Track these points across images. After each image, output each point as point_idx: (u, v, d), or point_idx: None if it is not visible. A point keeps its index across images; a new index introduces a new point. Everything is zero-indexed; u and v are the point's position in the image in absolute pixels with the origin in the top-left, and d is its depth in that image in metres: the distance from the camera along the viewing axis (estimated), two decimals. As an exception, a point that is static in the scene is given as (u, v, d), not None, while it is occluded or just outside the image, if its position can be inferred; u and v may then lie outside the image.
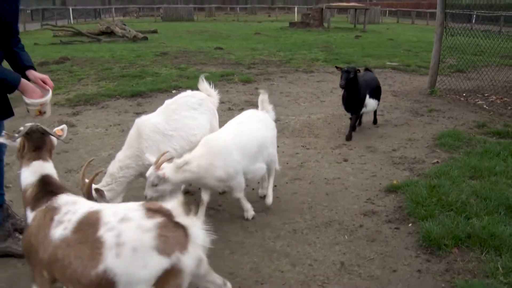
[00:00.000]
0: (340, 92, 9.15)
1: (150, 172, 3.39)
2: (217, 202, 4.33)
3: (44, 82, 3.24)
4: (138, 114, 7.51)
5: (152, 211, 2.16)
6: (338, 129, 6.73)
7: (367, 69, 7.02)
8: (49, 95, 3.28)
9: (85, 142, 6.11)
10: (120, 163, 3.69)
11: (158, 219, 2.11)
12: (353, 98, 6.17)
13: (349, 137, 6.21)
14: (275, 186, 4.69)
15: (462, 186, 4.39)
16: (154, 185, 3.38)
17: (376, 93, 6.59)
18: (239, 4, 49.64)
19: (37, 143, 2.54)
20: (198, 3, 47.69)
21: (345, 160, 5.41)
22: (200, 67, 12.22)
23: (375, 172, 5.05)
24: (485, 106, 8.17)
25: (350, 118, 6.43)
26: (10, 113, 3.30)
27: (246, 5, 53.37)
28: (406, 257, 3.39)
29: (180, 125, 3.93)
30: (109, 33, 20.11)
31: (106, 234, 2.07)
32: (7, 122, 3.36)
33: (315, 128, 6.79)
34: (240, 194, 3.88)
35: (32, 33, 23.14)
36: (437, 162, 5.25)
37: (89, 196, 3.16)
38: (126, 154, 3.73)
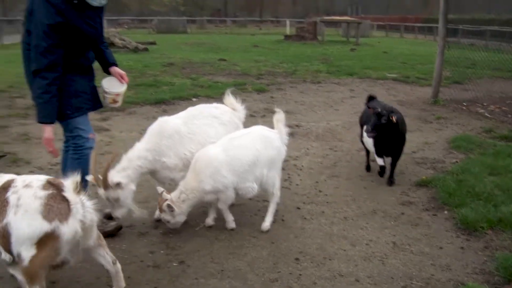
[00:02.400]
0: (352, 101, 9.85)
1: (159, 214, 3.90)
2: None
3: (122, 77, 3.94)
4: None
5: (49, 184, 2.65)
6: (358, 134, 7.27)
7: (371, 98, 5.81)
8: (124, 88, 3.98)
9: (124, 144, 6.54)
10: (139, 153, 3.87)
11: (50, 191, 2.60)
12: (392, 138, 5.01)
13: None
14: (316, 182, 5.23)
15: (484, 181, 4.97)
16: (168, 221, 3.80)
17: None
18: (228, 17, 50.46)
19: None
20: (187, 15, 48.24)
21: (373, 161, 5.94)
22: (210, 77, 12.73)
23: (402, 170, 5.62)
24: (486, 114, 8.83)
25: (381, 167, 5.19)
26: (100, 105, 3.95)
27: (236, 18, 54.27)
28: (448, 237, 3.94)
29: (198, 131, 4.09)
30: (109, 44, 20.50)
31: (11, 196, 2.58)
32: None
33: (337, 133, 7.35)
34: (223, 206, 3.95)
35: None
36: (456, 161, 5.84)
37: (106, 184, 3.61)
38: (146, 147, 3.90)
